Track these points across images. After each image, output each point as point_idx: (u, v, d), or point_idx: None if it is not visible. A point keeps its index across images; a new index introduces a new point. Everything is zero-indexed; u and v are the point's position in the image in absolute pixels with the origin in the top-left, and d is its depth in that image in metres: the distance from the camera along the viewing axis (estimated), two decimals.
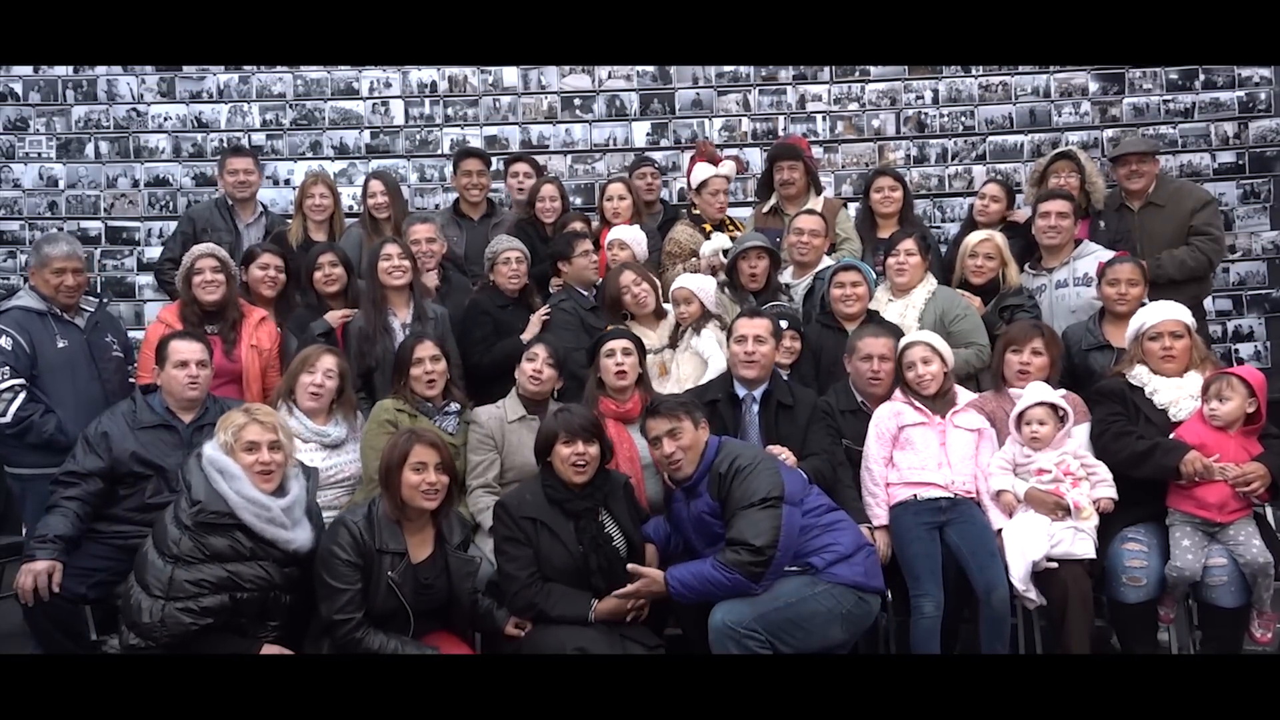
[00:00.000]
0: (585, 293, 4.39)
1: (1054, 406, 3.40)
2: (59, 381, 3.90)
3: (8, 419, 3.76)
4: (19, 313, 3.90)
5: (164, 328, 3.90)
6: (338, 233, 4.91)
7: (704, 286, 4.10)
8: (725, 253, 4.53)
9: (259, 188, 5.11)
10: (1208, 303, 5.25)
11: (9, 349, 3.80)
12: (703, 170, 5.03)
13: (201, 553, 2.84)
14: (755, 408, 3.64)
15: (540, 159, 5.91)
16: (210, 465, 2.92)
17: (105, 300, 4.33)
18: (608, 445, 3.27)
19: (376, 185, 4.90)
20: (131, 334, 4.56)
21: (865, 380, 3.68)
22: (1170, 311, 3.54)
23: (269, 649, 2.92)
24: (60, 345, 3.92)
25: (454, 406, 3.77)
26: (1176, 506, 3.31)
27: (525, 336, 4.13)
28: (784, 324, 3.89)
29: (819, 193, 5.02)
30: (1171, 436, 3.35)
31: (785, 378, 3.82)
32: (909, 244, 4.18)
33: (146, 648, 2.80)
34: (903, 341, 3.68)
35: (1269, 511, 3.46)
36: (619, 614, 3.14)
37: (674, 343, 4.11)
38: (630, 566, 3.15)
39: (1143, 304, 3.85)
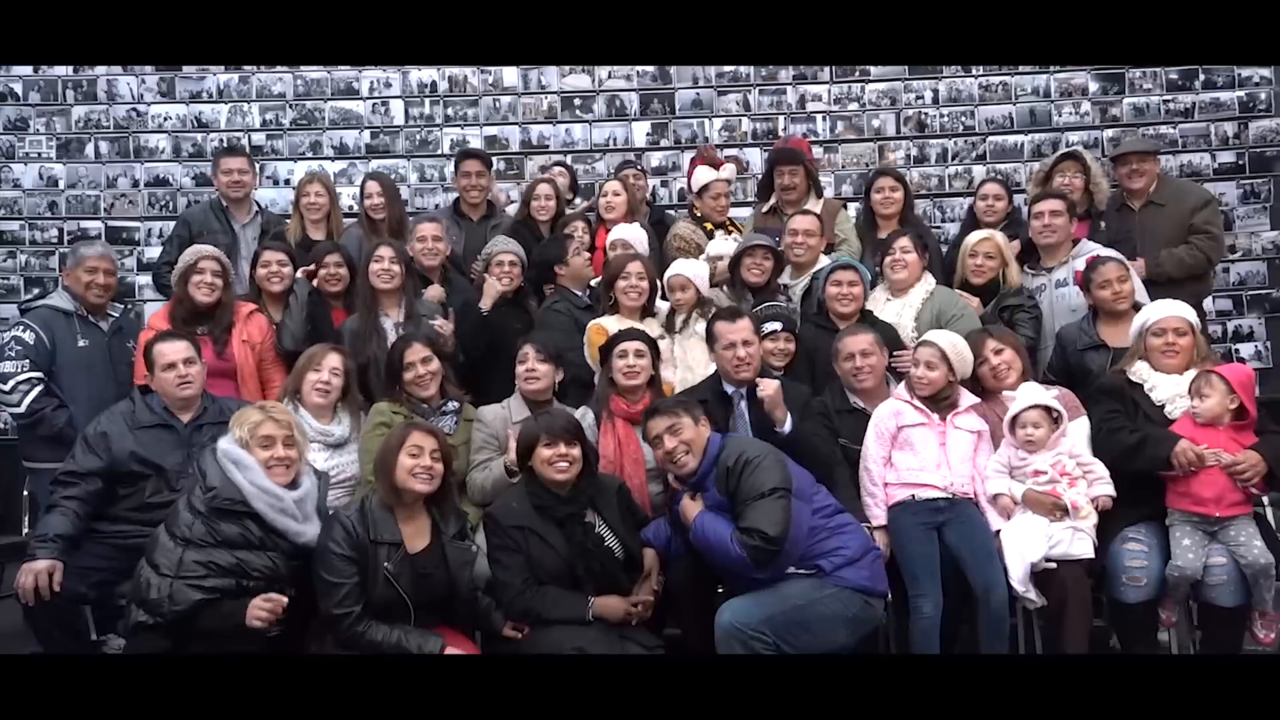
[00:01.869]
0: (579, 292, 4.39)
1: (1048, 409, 3.40)
2: (75, 379, 4.03)
3: (21, 409, 3.91)
4: (47, 310, 4.10)
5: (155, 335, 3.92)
6: (335, 231, 4.91)
7: (699, 273, 4.13)
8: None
9: (254, 188, 5.10)
10: (1208, 303, 5.25)
11: (31, 343, 3.97)
12: (704, 174, 5.03)
13: (213, 538, 2.88)
14: (744, 404, 3.63)
15: (540, 159, 5.95)
16: (225, 457, 2.97)
17: (130, 307, 4.41)
18: (590, 449, 3.27)
19: (373, 186, 4.90)
20: None
21: (851, 378, 3.69)
22: (1175, 309, 3.53)
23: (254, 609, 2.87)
24: (81, 344, 4.08)
25: (452, 405, 3.75)
26: (1174, 506, 3.31)
27: (483, 305, 4.21)
28: (778, 326, 3.89)
29: (819, 196, 5.00)
30: None
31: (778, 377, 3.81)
32: (904, 242, 4.18)
33: (154, 624, 2.81)
34: (920, 339, 3.68)
35: (1269, 512, 3.46)
36: (618, 613, 3.14)
37: (671, 328, 4.10)
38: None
39: (1137, 304, 3.85)
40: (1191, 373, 3.44)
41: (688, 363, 4.01)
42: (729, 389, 3.67)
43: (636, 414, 3.63)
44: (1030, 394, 3.44)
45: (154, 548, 2.90)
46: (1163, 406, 3.41)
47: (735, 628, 2.99)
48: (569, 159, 6.07)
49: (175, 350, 3.52)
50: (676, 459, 3.18)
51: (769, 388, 3.46)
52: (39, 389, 3.91)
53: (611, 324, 4.05)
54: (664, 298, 4.23)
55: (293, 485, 3.04)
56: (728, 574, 3.21)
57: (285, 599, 2.86)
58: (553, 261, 4.42)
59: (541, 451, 3.15)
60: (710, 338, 3.75)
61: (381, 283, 4.12)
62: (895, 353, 3.83)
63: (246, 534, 2.91)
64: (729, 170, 5.13)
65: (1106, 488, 3.36)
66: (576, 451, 3.17)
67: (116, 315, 4.28)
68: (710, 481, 3.16)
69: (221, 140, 5.98)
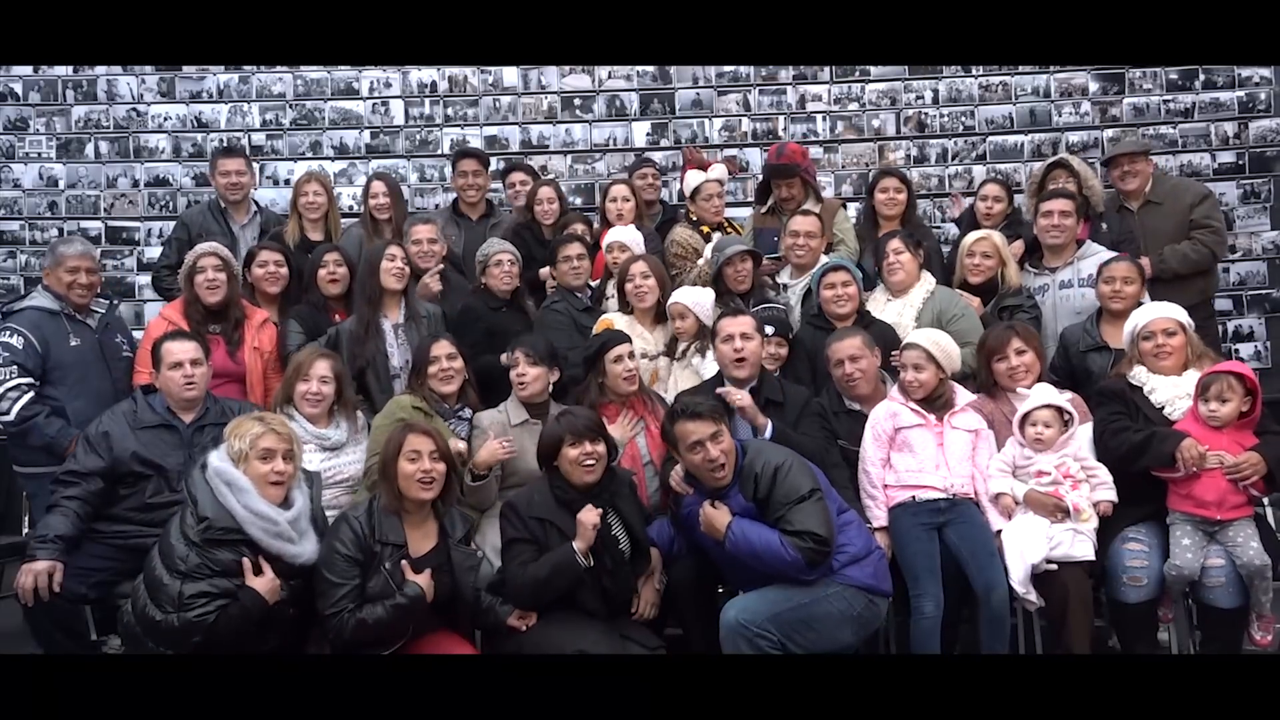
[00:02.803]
0: (579, 294, 4.37)
1: (1059, 409, 3.40)
2: (71, 379, 3.95)
3: (10, 417, 3.79)
4: (34, 313, 3.97)
5: (166, 325, 3.91)
6: (333, 231, 4.89)
7: (700, 301, 4.03)
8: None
9: (252, 188, 5.08)
10: None
11: (20, 347, 3.85)
12: (694, 177, 4.99)
13: (210, 568, 2.85)
14: None
15: (540, 159, 5.93)
16: (217, 478, 2.90)
17: (115, 302, 4.38)
18: (613, 443, 3.26)
19: (378, 186, 4.89)
20: (132, 334, 4.57)
21: (844, 384, 3.68)
22: (1162, 310, 3.54)
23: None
24: (74, 344, 3.99)
25: (467, 412, 3.75)
26: (1176, 508, 3.31)
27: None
28: (770, 330, 3.87)
29: (819, 200, 4.99)
30: None
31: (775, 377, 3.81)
32: (895, 243, 4.18)
33: (179, 655, 2.79)
34: (904, 341, 3.68)
35: (1269, 514, 3.46)
36: (592, 520, 3.06)
37: (671, 353, 4.07)
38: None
39: (1140, 303, 3.85)
40: (1191, 372, 3.44)
41: (674, 391, 3.95)
42: None
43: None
44: (1044, 394, 3.43)
45: (153, 582, 2.85)
46: (1162, 408, 3.41)
47: (741, 625, 2.99)
48: (569, 159, 6.07)
49: (184, 350, 3.52)
50: (717, 467, 3.10)
51: (742, 399, 3.45)
52: (29, 396, 3.81)
53: (621, 322, 4.05)
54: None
55: (285, 503, 2.99)
56: (737, 576, 3.20)
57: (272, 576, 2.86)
58: (544, 264, 4.46)
59: (568, 452, 3.13)
60: (713, 334, 3.75)
61: (394, 282, 4.11)
62: (894, 352, 3.83)
63: (244, 561, 2.88)
64: (718, 170, 5.07)
65: (1109, 493, 3.36)
66: (601, 448, 3.16)
67: (102, 311, 4.18)
68: (734, 489, 3.13)
69: (222, 140, 5.97)
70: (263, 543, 2.89)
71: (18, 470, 4.07)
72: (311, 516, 3.10)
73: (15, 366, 3.82)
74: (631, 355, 3.67)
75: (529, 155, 6.02)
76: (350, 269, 4.30)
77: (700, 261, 4.55)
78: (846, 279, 4.04)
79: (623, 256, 4.42)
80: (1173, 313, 3.53)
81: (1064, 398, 3.46)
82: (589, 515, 3.05)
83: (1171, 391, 3.43)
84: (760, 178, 5.25)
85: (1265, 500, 3.42)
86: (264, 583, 2.86)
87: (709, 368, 3.92)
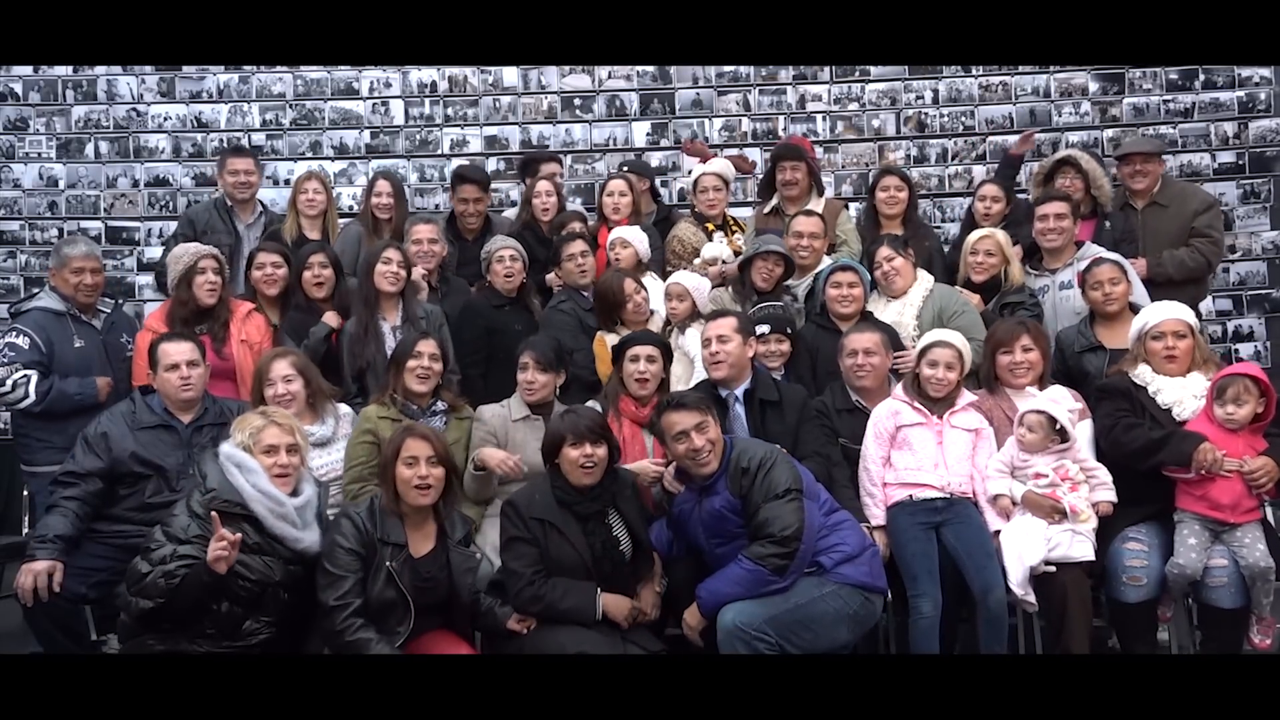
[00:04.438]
0: (585, 294, 4.37)
1: (1053, 420, 3.37)
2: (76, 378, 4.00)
3: (31, 398, 3.89)
4: (39, 313, 4.06)
5: (152, 336, 3.89)
6: (330, 230, 4.86)
7: (699, 285, 4.09)
8: (725, 261, 4.50)
9: (259, 188, 5.08)
10: (1207, 303, 5.26)
11: (25, 347, 3.94)
12: (694, 169, 5.00)
13: (206, 539, 2.84)
14: (739, 406, 3.63)
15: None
16: (227, 460, 2.96)
17: (120, 302, 4.41)
18: (615, 446, 3.25)
19: (384, 185, 4.85)
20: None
21: (852, 374, 3.69)
22: (1173, 311, 3.53)
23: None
24: (78, 345, 4.07)
25: (440, 405, 3.72)
26: (1187, 508, 3.30)
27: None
28: (766, 329, 3.86)
29: (821, 194, 4.99)
30: None
31: (778, 378, 3.80)
32: (885, 251, 4.16)
33: (155, 606, 2.80)
34: (930, 338, 3.66)
35: (1269, 513, 3.46)
36: (622, 611, 3.12)
37: None
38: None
39: (1134, 305, 3.85)
40: (1196, 375, 3.44)
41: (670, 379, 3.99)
42: (724, 392, 3.67)
43: (644, 416, 3.63)
44: (1048, 397, 3.42)
45: (148, 546, 2.90)
46: (1169, 410, 3.40)
47: (739, 628, 2.99)
48: (569, 159, 6.06)
49: (180, 351, 3.52)
50: (701, 458, 3.13)
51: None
52: (36, 375, 3.89)
53: (613, 340, 4.02)
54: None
55: (294, 493, 3.03)
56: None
57: (237, 536, 2.82)
58: (546, 263, 4.44)
59: (568, 453, 3.13)
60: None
61: (388, 285, 4.10)
62: (896, 353, 3.83)
63: (244, 537, 2.87)
64: (718, 164, 5.03)
65: (1108, 493, 3.36)
66: (602, 451, 3.15)
67: (108, 311, 4.26)
68: (722, 484, 3.14)
69: (222, 140, 5.97)
70: (266, 521, 2.92)
71: (27, 470, 4.12)
72: (318, 516, 3.12)
73: (19, 365, 3.91)
74: (651, 359, 3.66)
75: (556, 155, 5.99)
76: (336, 270, 4.26)
77: (696, 261, 4.55)
78: (853, 279, 4.05)
79: (625, 253, 4.41)
80: (1183, 314, 3.52)
81: (1075, 406, 3.43)
82: (623, 609, 3.11)
83: (1179, 392, 3.41)
84: (761, 177, 5.25)
85: (1267, 502, 3.42)
86: (214, 549, 2.79)
87: (690, 344, 3.94)
